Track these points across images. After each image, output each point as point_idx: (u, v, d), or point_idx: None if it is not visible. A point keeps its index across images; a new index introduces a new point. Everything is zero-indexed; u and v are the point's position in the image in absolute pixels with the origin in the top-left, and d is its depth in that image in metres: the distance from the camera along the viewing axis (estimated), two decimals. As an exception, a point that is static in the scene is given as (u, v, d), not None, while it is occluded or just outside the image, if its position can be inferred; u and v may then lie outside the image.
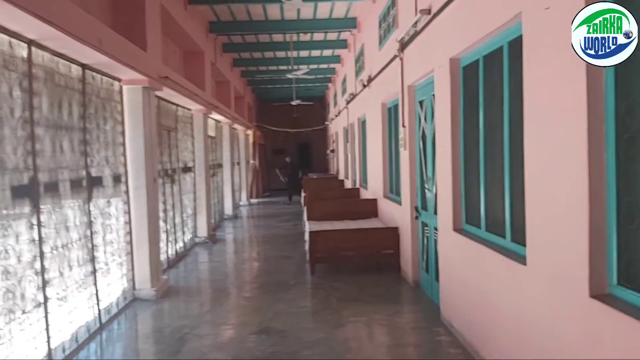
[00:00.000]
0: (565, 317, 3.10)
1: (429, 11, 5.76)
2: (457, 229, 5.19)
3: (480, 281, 4.52)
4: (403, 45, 7.02)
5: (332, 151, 21.91)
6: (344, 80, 16.04)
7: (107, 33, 5.59)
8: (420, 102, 6.76)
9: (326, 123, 23.77)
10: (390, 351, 5.12)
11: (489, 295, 4.32)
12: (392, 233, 7.98)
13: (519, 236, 3.86)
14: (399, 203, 7.91)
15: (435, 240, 6.16)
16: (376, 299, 6.64)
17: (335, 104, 19.57)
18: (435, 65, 5.67)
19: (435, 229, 6.10)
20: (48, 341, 4.64)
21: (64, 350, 4.97)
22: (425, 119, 6.59)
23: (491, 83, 4.49)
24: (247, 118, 20.31)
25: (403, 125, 7.21)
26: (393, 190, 8.85)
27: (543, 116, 3.31)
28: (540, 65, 3.31)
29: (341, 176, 18.04)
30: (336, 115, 18.66)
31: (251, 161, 21.51)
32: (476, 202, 4.83)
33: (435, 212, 6.08)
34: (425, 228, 6.69)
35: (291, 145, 26.46)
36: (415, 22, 6.20)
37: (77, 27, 4.72)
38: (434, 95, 5.99)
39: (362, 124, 12.21)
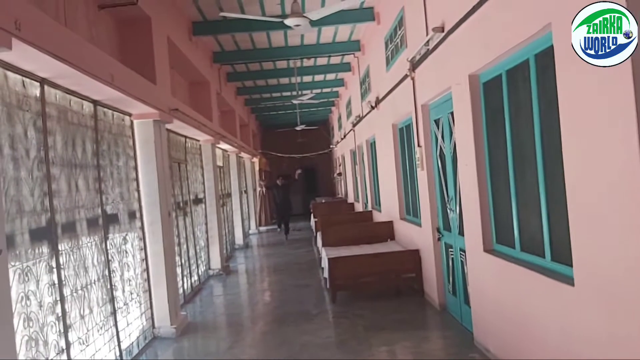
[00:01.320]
0: (624, 340, 2.91)
1: (442, 29, 5.69)
2: (488, 250, 5.01)
3: (519, 304, 4.33)
4: (414, 64, 6.94)
5: (339, 174, 21.77)
6: (349, 103, 16.00)
7: (119, 68, 5.52)
8: (436, 121, 6.64)
9: (331, 147, 23.70)
10: (426, 381, 4.92)
11: (530, 318, 4.13)
12: (413, 256, 7.77)
13: (562, 255, 3.69)
14: (419, 225, 7.73)
15: (462, 262, 5.97)
16: (403, 326, 6.40)
17: (340, 127, 19.51)
18: (452, 82, 5.56)
19: (462, 250, 5.92)
20: (71, 388, 4.46)
21: (87, 397, 4.77)
22: (442, 138, 6.46)
23: (516, 97, 4.37)
24: (252, 145, 20.28)
25: (419, 145, 7.08)
26: (410, 211, 8.68)
27: (585, 125, 3.17)
28: (579, 74, 3.16)
29: (350, 199, 17.88)
30: (342, 138, 18.59)
31: (258, 188, 21.35)
32: (507, 221, 4.66)
33: (460, 233, 5.91)
34: (450, 249, 6.50)
35: (297, 171, 26.39)
36: (427, 41, 6.13)
37: (89, 64, 4.65)
38: (451, 113, 5.87)
39: (371, 145, 12.09)
